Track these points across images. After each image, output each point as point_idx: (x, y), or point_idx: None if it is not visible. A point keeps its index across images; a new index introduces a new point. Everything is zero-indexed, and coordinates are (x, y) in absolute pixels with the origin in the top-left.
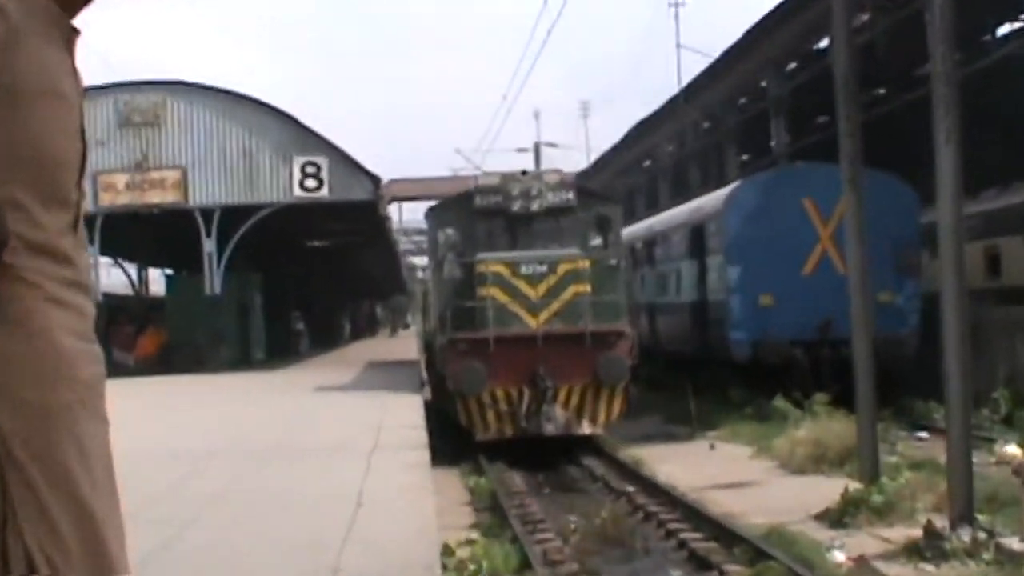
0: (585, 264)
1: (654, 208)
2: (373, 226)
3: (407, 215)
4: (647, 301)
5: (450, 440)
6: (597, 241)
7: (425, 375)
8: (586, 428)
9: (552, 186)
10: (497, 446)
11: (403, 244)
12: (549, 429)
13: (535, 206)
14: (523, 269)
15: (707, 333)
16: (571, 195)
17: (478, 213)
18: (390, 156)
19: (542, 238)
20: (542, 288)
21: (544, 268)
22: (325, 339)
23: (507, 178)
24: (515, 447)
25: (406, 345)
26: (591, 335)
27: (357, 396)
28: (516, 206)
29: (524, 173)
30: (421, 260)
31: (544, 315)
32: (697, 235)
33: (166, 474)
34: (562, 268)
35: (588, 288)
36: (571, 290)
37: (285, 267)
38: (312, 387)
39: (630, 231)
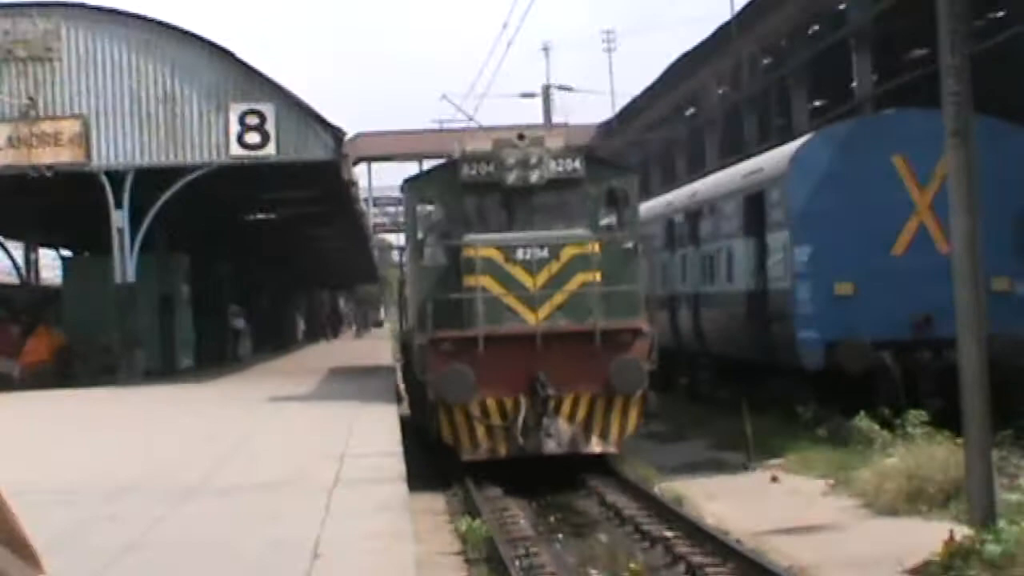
0: (595, 248)
1: (699, 170)
2: (335, 194)
3: (380, 180)
4: (689, 291)
5: (432, 464)
6: (609, 220)
7: (402, 385)
8: (595, 446)
9: (556, 153)
10: (489, 468)
11: (375, 218)
12: (551, 447)
13: (534, 177)
14: (519, 254)
15: (767, 332)
16: (578, 164)
17: (466, 186)
18: (362, 110)
19: (543, 216)
20: (542, 277)
21: (545, 253)
22: (273, 341)
23: (501, 143)
24: (512, 469)
25: (377, 348)
26: (601, 334)
27: (314, 414)
28: (512, 177)
29: (521, 137)
30: (398, 239)
31: (545, 310)
32: (754, 205)
33: (57, 520)
34: (567, 253)
35: (598, 276)
36: (577, 279)
37: (220, 248)
38: (255, 403)
39: (666, 201)
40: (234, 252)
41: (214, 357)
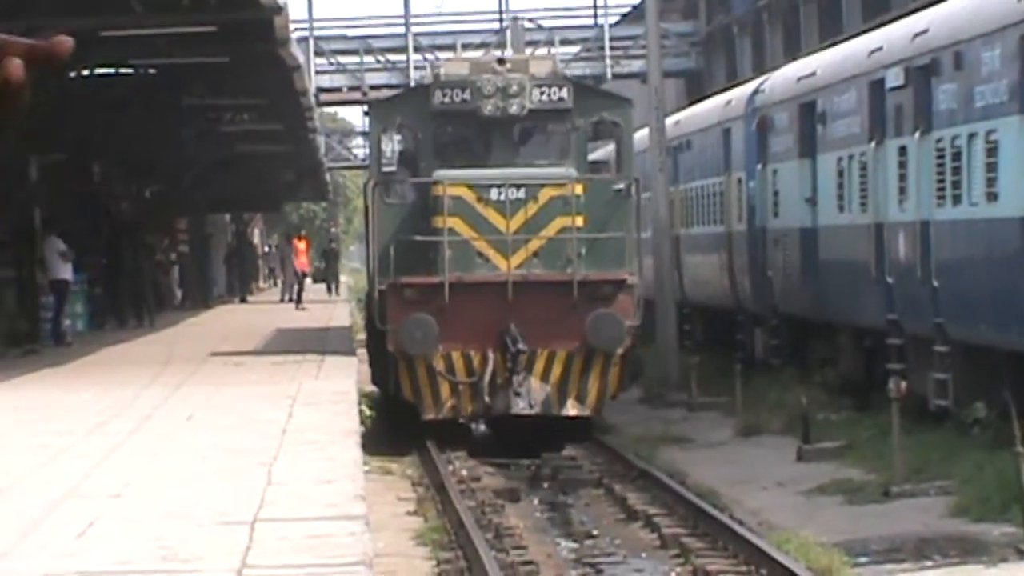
0: (577, 189)
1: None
2: (253, 28)
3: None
4: (913, 217)
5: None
6: (599, 156)
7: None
8: (571, 408)
9: (540, 80)
10: (458, 431)
11: (320, 77)
12: (521, 407)
13: (515, 107)
14: (493, 194)
15: None
16: (565, 93)
17: (438, 115)
18: None
19: (524, 151)
20: (518, 220)
21: (521, 193)
22: (120, 300)
23: (478, 67)
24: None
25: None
26: (580, 285)
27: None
28: (489, 107)
29: (502, 62)
30: (362, 120)
31: (519, 256)
32: None
33: None
34: (545, 193)
35: (580, 221)
36: (556, 223)
37: (35, 129)
38: (88, 407)
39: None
40: (62, 137)
41: (12, 329)
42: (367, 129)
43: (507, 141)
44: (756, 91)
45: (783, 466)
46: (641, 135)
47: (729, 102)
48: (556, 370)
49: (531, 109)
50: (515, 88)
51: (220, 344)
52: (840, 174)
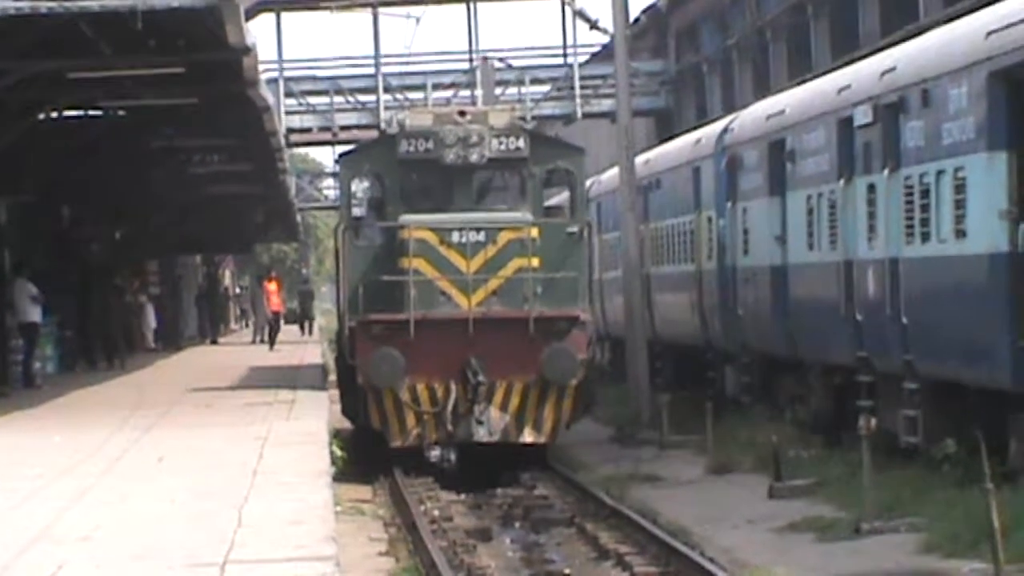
0: (532, 232)
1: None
2: (212, 67)
3: (297, 47)
4: (882, 255)
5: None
6: (558, 201)
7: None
8: (528, 436)
9: (498, 131)
10: (422, 463)
11: (290, 118)
12: (481, 435)
13: (474, 156)
14: (455, 237)
15: None
16: (522, 143)
17: (403, 162)
18: None
19: (483, 197)
20: (478, 261)
21: (481, 236)
22: (90, 343)
23: (441, 119)
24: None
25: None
26: (536, 321)
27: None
28: (451, 156)
29: (463, 114)
30: (329, 156)
31: (479, 295)
32: None
33: None
34: (504, 236)
35: (536, 262)
36: (514, 264)
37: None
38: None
39: (817, 92)
40: (31, 178)
41: None
42: (338, 170)
43: (468, 187)
44: (726, 129)
45: (754, 503)
46: (611, 174)
47: (699, 140)
48: (514, 400)
49: (490, 158)
50: (475, 138)
51: (191, 386)
52: (810, 212)
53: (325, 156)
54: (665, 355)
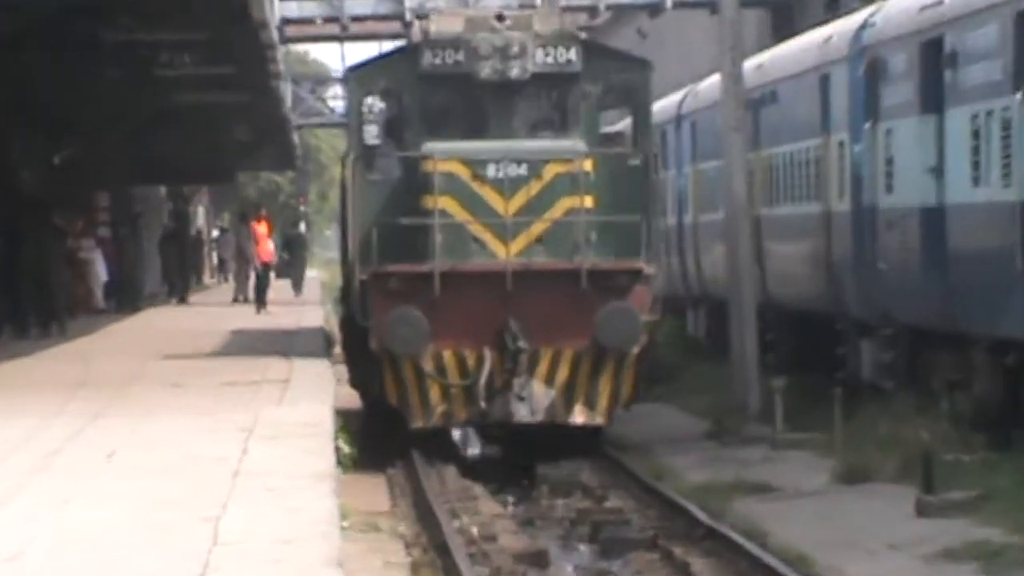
0: (586, 165)
1: None
2: None
3: None
4: None
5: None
6: (613, 128)
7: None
8: (579, 415)
9: (545, 39)
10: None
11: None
12: (522, 414)
13: (515, 70)
14: (491, 171)
15: None
16: (574, 54)
17: (427, 79)
18: None
19: (525, 122)
20: (518, 200)
21: (523, 170)
22: (19, 302)
23: (474, 24)
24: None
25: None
26: (590, 274)
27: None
28: (486, 70)
29: (501, 19)
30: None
31: (520, 242)
32: None
33: None
34: (551, 170)
35: (590, 202)
36: (562, 204)
37: None
38: None
39: None
40: None
41: None
42: (346, 82)
43: (507, 109)
44: (864, 24)
45: (898, 523)
46: (710, 84)
47: (828, 39)
48: (562, 372)
49: (534, 72)
50: (516, 48)
51: (153, 358)
52: (976, 135)
53: (332, 55)
54: (780, 324)
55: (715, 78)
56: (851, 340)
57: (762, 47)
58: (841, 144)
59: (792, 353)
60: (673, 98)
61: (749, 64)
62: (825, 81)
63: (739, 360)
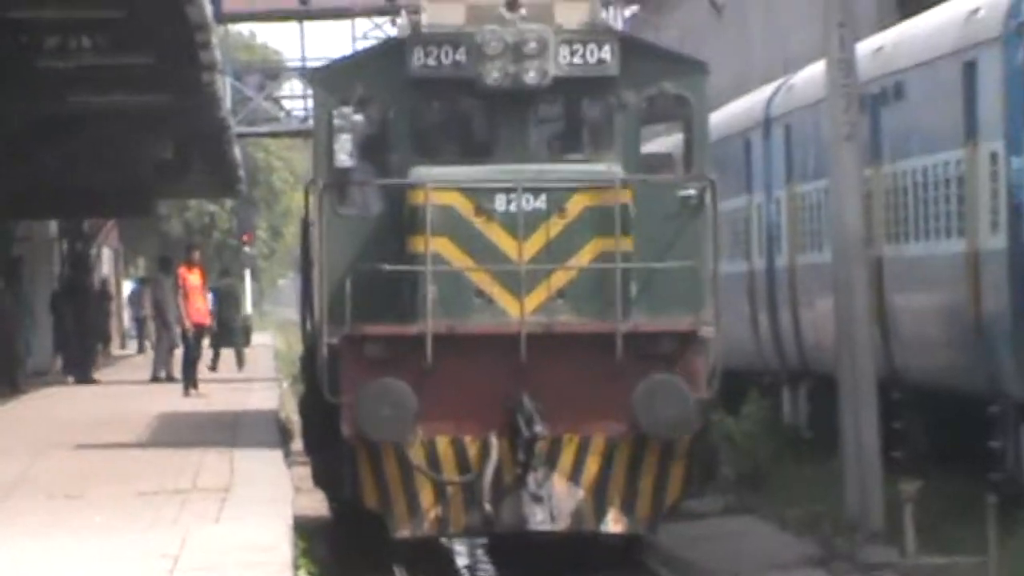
0: (625, 196)
1: None
2: None
3: None
4: None
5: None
6: (658, 147)
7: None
8: (613, 523)
9: (571, 33)
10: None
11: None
12: (539, 520)
13: (533, 74)
14: (499, 203)
15: None
16: (608, 52)
17: (418, 85)
18: None
19: (545, 140)
20: (536, 242)
21: (542, 201)
22: None
23: (479, 14)
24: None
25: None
26: (627, 338)
27: None
28: (495, 73)
29: (513, 7)
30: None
31: (537, 296)
32: None
33: None
34: (578, 202)
35: (628, 244)
36: (593, 247)
37: None
38: None
39: None
40: None
41: None
42: (310, 86)
43: (521, 125)
44: None
45: None
46: (809, 75)
47: (975, 13)
48: (591, 466)
49: (557, 77)
50: (533, 46)
51: (39, 460)
52: None
53: (288, 39)
54: (911, 408)
55: (817, 67)
56: (1010, 429)
57: (883, 25)
58: (993, 156)
59: (928, 447)
60: (758, 95)
61: (864, 48)
62: (970, 70)
63: (854, 457)
